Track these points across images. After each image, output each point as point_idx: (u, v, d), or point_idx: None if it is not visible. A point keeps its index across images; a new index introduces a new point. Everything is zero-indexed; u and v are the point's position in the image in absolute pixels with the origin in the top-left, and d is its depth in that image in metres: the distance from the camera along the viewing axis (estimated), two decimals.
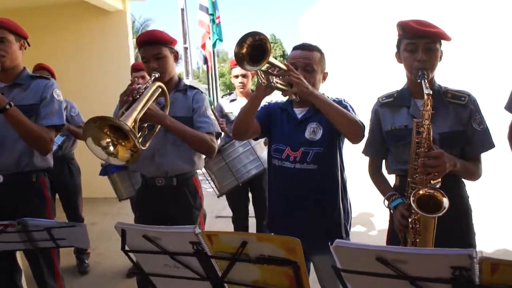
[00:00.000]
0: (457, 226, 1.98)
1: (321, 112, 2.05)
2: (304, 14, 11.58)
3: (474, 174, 2.04)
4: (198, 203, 2.61)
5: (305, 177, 2.17)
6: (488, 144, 2.03)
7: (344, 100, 2.26)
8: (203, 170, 3.04)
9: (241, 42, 1.75)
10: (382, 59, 6.46)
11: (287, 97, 2.16)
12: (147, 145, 2.29)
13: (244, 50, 1.76)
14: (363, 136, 2.11)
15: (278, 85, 1.97)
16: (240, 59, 1.76)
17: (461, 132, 2.00)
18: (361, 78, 7.08)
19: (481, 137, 2.02)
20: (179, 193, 2.55)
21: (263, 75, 1.92)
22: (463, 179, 2.07)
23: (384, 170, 2.25)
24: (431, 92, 1.79)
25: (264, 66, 1.80)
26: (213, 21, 9.43)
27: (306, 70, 2.16)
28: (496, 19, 5.84)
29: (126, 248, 1.31)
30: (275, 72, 1.95)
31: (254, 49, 1.75)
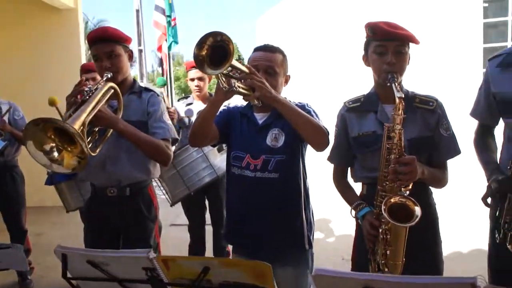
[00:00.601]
0: (425, 235, 1.92)
1: (284, 118, 1.94)
2: (261, 17, 11.56)
3: (441, 181, 1.98)
4: (153, 214, 2.43)
5: (266, 186, 2.05)
6: (454, 150, 1.97)
7: (307, 104, 2.16)
8: None
9: (201, 43, 1.60)
10: (342, 62, 6.50)
11: (247, 101, 2.03)
12: (97, 151, 2.09)
13: (205, 51, 1.61)
14: (328, 143, 2.00)
15: (240, 90, 1.83)
16: (200, 62, 1.62)
17: (429, 138, 1.93)
18: (320, 81, 7.06)
19: (448, 143, 1.96)
20: (133, 204, 2.37)
21: (224, 79, 1.78)
22: (430, 187, 2.01)
23: (349, 178, 2.16)
24: (403, 96, 1.70)
25: (226, 69, 1.65)
26: (169, 23, 9.18)
27: (268, 73, 2.03)
28: (464, 25, 5.99)
29: (68, 275, 1.13)
30: (236, 75, 1.81)
31: (215, 50, 1.60)
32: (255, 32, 11.94)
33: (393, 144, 1.73)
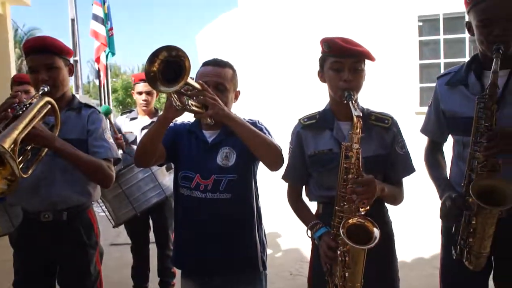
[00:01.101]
0: (382, 253, 1.89)
1: (236, 135, 1.86)
2: (201, 31, 11.45)
3: (398, 199, 1.97)
4: (94, 240, 2.24)
5: (218, 208, 1.96)
6: (409, 168, 1.97)
7: (258, 121, 2.09)
8: None
9: (153, 57, 1.47)
10: (290, 77, 6.53)
11: (199, 119, 1.92)
12: (30, 172, 1.89)
13: (156, 67, 1.48)
14: (283, 161, 1.94)
15: (193, 108, 1.71)
16: (151, 78, 1.48)
17: (385, 156, 1.91)
18: (267, 97, 7.03)
19: (404, 161, 1.95)
20: (70, 229, 2.16)
21: (176, 96, 1.66)
22: (386, 204, 1.99)
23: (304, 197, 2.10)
24: (360, 114, 1.67)
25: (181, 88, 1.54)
26: (106, 32, 8.84)
27: (218, 89, 1.95)
28: (401, 43, 6.22)
29: None
30: (188, 92, 1.69)
31: (168, 66, 1.48)
32: (196, 48, 11.82)
33: (351, 164, 1.69)
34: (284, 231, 5.35)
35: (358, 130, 1.67)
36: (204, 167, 1.98)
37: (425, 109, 5.88)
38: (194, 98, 1.72)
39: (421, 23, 6.21)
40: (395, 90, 6.19)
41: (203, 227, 1.98)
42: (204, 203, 1.95)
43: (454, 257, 1.82)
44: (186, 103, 1.67)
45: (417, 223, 5.08)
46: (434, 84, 5.63)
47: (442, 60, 6.14)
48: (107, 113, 2.28)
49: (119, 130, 3.67)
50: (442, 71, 6.01)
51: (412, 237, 4.81)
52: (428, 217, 5.05)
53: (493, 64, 1.67)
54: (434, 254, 4.60)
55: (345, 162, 1.71)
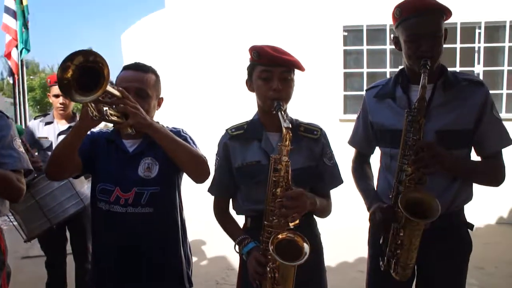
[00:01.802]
0: (311, 266, 1.86)
1: (160, 146, 1.75)
2: (127, 31, 11.02)
3: (327, 211, 1.96)
4: (1, 259, 2.01)
5: (140, 223, 1.85)
6: (337, 179, 1.97)
7: (182, 130, 2.01)
8: None
9: (66, 63, 1.34)
10: (219, 84, 6.42)
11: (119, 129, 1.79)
12: None
13: (71, 74, 1.34)
14: (209, 173, 1.86)
15: (112, 118, 1.58)
16: (65, 87, 1.35)
17: (314, 168, 1.89)
18: (194, 104, 6.85)
19: (332, 173, 1.95)
20: None
21: (93, 105, 1.51)
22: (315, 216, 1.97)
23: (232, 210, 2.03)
24: (290, 126, 1.62)
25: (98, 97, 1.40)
26: (25, 26, 8.17)
27: (139, 96, 1.83)
28: (327, 52, 6.34)
29: None
30: (107, 100, 1.56)
31: (84, 73, 1.34)
32: (121, 48, 11.36)
33: (280, 177, 1.64)
34: (210, 238, 5.26)
35: (287, 142, 1.63)
36: (124, 179, 1.86)
37: (348, 116, 6.10)
38: (113, 106, 1.60)
39: (346, 33, 6.38)
40: (321, 98, 6.30)
41: (124, 243, 1.86)
42: (125, 218, 1.84)
43: (382, 269, 1.84)
44: (104, 112, 1.54)
45: (339, 228, 5.19)
46: (357, 93, 5.82)
47: (365, 70, 6.34)
48: (19, 134, 2.01)
49: (33, 134, 3.39)
50: (365, 80, 6.27)
51: (336, 241, 4.91)
52: (351, 221, 5.21)
53: (421, 79, 1.70)
54: (358, 257, 4.75)
55: (274, 175, 1.66)
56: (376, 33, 6.32)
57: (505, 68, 6.23)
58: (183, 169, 1.85)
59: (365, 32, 6.27)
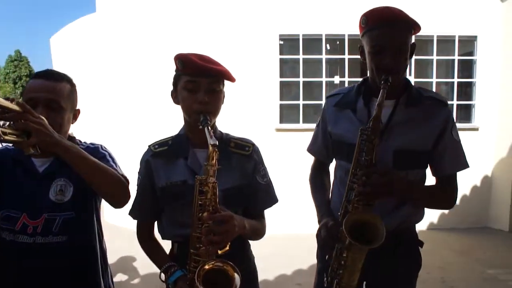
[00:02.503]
0: None
1: (72, 166, 1.53)
2: (57, 34, 10.56)
3: (260, 234, 1.80)
4: None
5: (51, 254, 1.62)
6: (272, 199, 1.83)
7: (101, 147, 1.81)
8: None
9: None
10: (148, 95, 6.15)
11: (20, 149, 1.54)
12: None
13: None
14: (128, 196, 1.66)
15: (9, 137, 1.34)
16: None
17: (245, 187, 1.74)
18: (122, 116, 6.52)
19: (266, 192, 1.81)
20: None
21: None
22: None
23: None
24: (216, 143, 1.46)
25: None
26: None
27: (50, 108, 1.61)
28: (263, 61, 6.25)
29: None
30: (3, 116, 1.34)
31: None
32: (50, 51, 10.86)
33: (206, 200, 1.47)
34: (141, 254, 4.96)
35: (213, 161, 1.46)
36: (32, 204, 1.62)
37: (285, 126, 6.05)
38: (12, 123, 1.36)
39: (282, 42, 6.35)
40: (256, 107, 6.23)
41: (33, 279, 1.62)
42: (33, 249, 1.60)
43: (325, 285, 1.74)
44: (2, 131, 1.31)
45: (277, 241, 5.10)
46: (293, 102, 5.77)
47: (301, 79, 6.33)
48: None
49: None
50: (301, 89, 6.26)
51: (273, 254, 4.81)
52: (290, 234, 5.14)
53: (379, 96, 1.61)
54: (296, 270, 4.67)
55: (200, 198, 1.49)
56: (312, 42, 6.33)
57: (434, 80, 6.48)
58: (99, 193, 1.65)
59: (301, 41, 6.26)
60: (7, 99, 1.68)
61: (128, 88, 6.37)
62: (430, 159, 1.80)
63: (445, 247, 5.67)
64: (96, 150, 1.75)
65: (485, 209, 6.57)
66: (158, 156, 1.73)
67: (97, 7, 7.37)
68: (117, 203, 1.64)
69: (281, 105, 6.33)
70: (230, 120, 6.08)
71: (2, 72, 48.15)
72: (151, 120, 5.92)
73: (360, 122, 1.75)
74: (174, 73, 1.71)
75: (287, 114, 6.37)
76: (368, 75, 1.84)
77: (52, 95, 1.62)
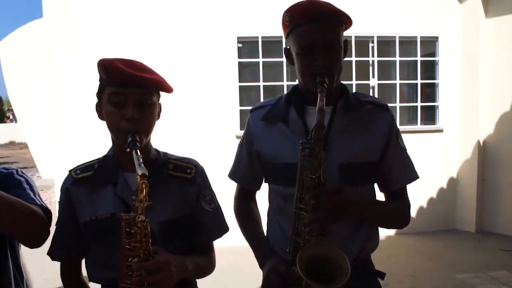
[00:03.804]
0: None
1: None
2: (5, 39, 10.06)
3: (208, 269, 1.52)
4: None
5: None
6: (221, 227, 1.54)
7: (17, 171, 1.49)
8: None
9: None
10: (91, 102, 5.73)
11: None
12: None
13: None
14: (45, 235, 1.36)
15: None
16: None
17: (188, 217, 1.44)
18: (73, 126, 6.07)
19: (214, 220, 1.51)
20: None
21: None
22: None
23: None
24: (146, 172, 1.16)
25: None
26: None
27: None
28: (221, 65, 5.96)
29: None
30: None
31: None
32: None
33: (136, 242, 1.17)
34: None
35: (143, 195, 1.16)
36: None
37: None
38: None
39: (240, 45, 6.09)
40: (215, 114, 5.96)
41: None
42: None
43: None
44: None
45: (243, 253, 4.83)
46: None
47: (261, 83, 6.09)
48: None
49: None
50: (261, 93, 6.01)
51: (239, 267, 4.54)
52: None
53: (318, 101, 1.33)
54: None
55: (128, 240, 1.18)
56: (272, 45, 6.10)
57: (398, 81, 6.36)
58: (4, 231, 1.33)
59: (261, 43, 6.02)
60: None
61: (77, 95, 5.94)
62: (377, 171, 1.55)
63: (414, 252, 5.53)
64: (9, 177, 1.45)
65: (451, 211, 6.49)
66: (80, 184, 1.42)
67: (44, 12, 6.94)
68: (31, 242, 1.35)
69: (241, 111, 6.06)
70: (187, 129, 5.82)
71: None
72: (100, 131, 5.53)
73: (295, 136, 1.47)
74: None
75: None
76: (298, 81, 1.57)
77: None
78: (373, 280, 1.60)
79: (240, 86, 6.08)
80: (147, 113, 1.34)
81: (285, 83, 6.12)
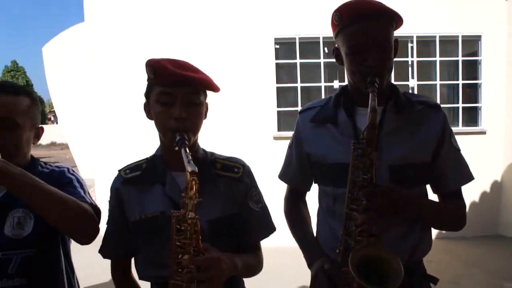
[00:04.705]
0: None
1: (23, 198, 1.28)
2: (48, 44, 10.38)
3: (256, 268, 1.51)
4: None
5: None
6: (268, 227, 1.54)
7: (69, 170, 1.54)
8: None
9: None
10: (139, 103, 5.85)
11: None
12: None
13: None
14: (95, 231, 1.39)
15: None
16: None
17: (236, 216, 1.44)
18: (115, 128, 6.21)
19: (260, 220, 1.51)
20: None
21: None
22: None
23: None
24: (196, 169, 1.16)
25: None
26: None
27: (5, 127, 1.39)
28: (258, 66, 5.99)
29: None
30: None
31: None
32: (43, 61, 10.69)
33: (186, 240, 1.18)
34: None
35: (193, 192, 1.17)
36: None
37: (283, 134, 5.72)
38: None
39: (277, 46, 6.08)
40: (253, 115, 5.97)
41: None
42: None
43: None
44: None
45: (280, 254, 4.81)
46: (291, 108, 5.39)
47: (299, 84, 6.07)
48: None
49: None
50: (299, 95, 5.99)
51: (276, 269, 4.53)
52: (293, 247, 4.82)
53: (370, 101, 1.31)
54: (303, 286, 4.37)
55: (178, 237, 1.19)
56: (309, 46, 6.07)
57: (438, 82, 6.21)
58: (57, 227, 1.36)
59: (298, 44, 6.00)
60: None
61: (118, 97, 6.09)
62: (430, 173, 1.52)
63: (455, 258, 5.37)
64: (61, 175, 1.51)
65: (495, 216, 6.27)
66: (130, 183, 1.44)
67: (85, 16, 7.15)
68: (82, 238, 1.39)
69: (278, 112, 6.06)
70: (225, 130, 5.85)
71: None
72: (144, 133, 5.64)
73: (345, 137, 1.47)
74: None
75: (285, 121, 6.08)
76: (347, 81, 1.55)
77: (6, 111, 1.39)
78: (424, 285, 1.56)
79: (277, 87, 6.09)
80: (195, 112, 1.35)
81: (322, 84, 6.07)
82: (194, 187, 1.16)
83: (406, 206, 1.37)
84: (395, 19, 1.44)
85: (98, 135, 6.22)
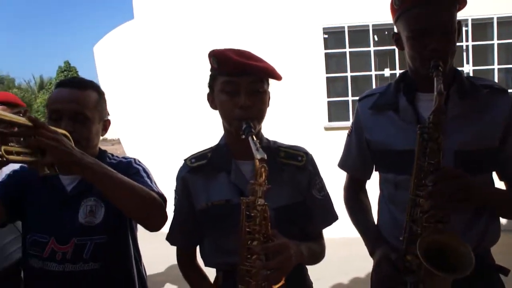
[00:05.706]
0: None
1: (97, 186, 1.33)
2: (99, 42, 10.72)
3: (319, 257, 1.52)
4: None
5: (82, 284, 1.46)
6: (331, 216, 1.54)
7: (135, 161, 1.60)
8: None
9: None
10: (190, 99, 5.98)
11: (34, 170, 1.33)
12: None
13: None
14: (164, 217, 1.44)
15: (16, 157, 1.14)
16: None
17: (301, 204, 1.46)
18: (166, 123, 6.37)
19: (323, 208, 1.52)
20: None
21: None
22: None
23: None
24: (265, 156, 1.18)
25: None
26: None
27: (76, 120, 1.45)
28: (307, 56, 5.94)
29: None
30: (9, 132, 1.13)
31: None
32: (94, 60, 11.06)
33: (256, 226, 1.20)
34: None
35: (262, 179, 1.18)
36: (60, 227, 1.47)
37: (334, 124, 5.65)
38: (23, 140, 1.17)
39: (326, 36, 6.03)
40: (303, 106, 5.95)
41: None
42: (63, 278, 1.45)
43: None
44: (9, 150, 1.11)
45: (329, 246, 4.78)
46: (341, 98, 5.30)
47: (348, 74, 5.99)
48: None
49: None
50: (349, 84, 5.90)
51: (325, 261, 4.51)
52: (342, 238, 4.78)
53: (435, 84, 1.28)
54: (353, 278, 4.33)
55: (248, 224, 1.21)
56: (358, 34, 5.97)
57: (495, 66, 5.92)
58: (128, 214, 1.44)
59: (347, 33, 5.91)
60: (18, 112, 1.50)
61: (170, 93, 6.24)
62: (497, 160, 1.47)
63: None
64: (128, 165, 1.57)
65: None
66: (196, 172, 1.48)
67: (135, 14, 7.34)
68: (151, 226, 1.44)
69: (328, 102, 6.00)
70: (275, 121, 5.84)
71: (54, 82, 50.06)
72: (196, 126, 5.75)
73: (407, 124, 1.45)
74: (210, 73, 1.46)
75: (336, 112, 6.03)
76: (408, 67, 1.52)
77: (77, 105, 1.47)
78: (494, 276, 1.51)
79: (327, 77, 6.03)
80: (259, 100, 1.37)
81: (372, 72, 5.95)
82: (263, 174, 1.18)
83: (475, 191, 1.33)
84: (458, 0, 1.39)
85: (150, 131, 6.39)
